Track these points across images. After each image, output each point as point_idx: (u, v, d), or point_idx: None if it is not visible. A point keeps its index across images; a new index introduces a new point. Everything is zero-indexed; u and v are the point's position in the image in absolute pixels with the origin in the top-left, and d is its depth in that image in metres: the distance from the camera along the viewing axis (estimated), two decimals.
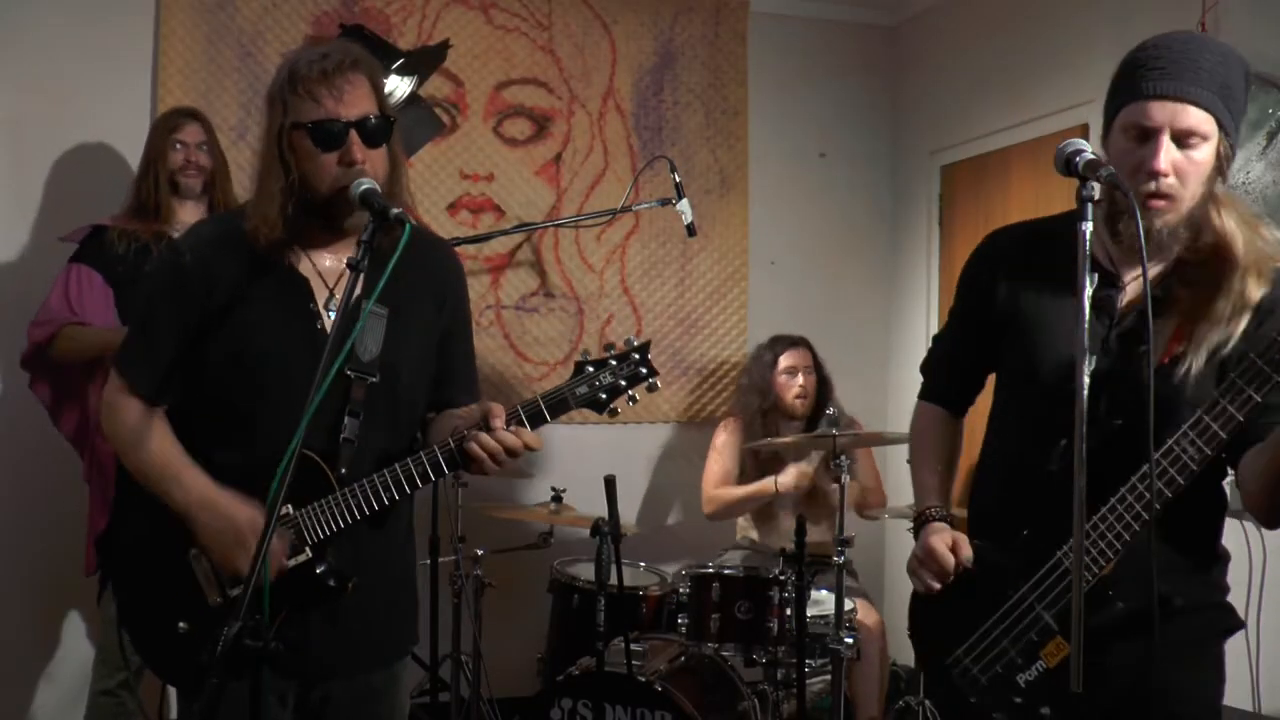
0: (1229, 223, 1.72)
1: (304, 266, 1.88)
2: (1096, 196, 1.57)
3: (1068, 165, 1.61)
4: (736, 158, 4.58)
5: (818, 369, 3.95)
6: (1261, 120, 3.03)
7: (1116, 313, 1.78)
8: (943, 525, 1.92)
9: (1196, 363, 1.68)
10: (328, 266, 1.89)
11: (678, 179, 3.76)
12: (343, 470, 1.82)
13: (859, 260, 4.83)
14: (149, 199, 3.14)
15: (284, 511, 1.81)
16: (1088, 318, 1.54)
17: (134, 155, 3.44)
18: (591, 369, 1.80)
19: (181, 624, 1.83)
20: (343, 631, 1.87)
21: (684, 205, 3.76)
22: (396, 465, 1.82)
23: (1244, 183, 3.07)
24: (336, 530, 1.81)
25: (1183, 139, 1.66)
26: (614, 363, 1.80)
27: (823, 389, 3.93)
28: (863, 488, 3.95)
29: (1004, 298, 1.89)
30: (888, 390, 4.79)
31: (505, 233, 3.97)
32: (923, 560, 1.88)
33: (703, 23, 4.54)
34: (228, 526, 1.79)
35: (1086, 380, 1.54)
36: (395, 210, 1.69)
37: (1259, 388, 1.56)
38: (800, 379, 3.88)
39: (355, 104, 1.79)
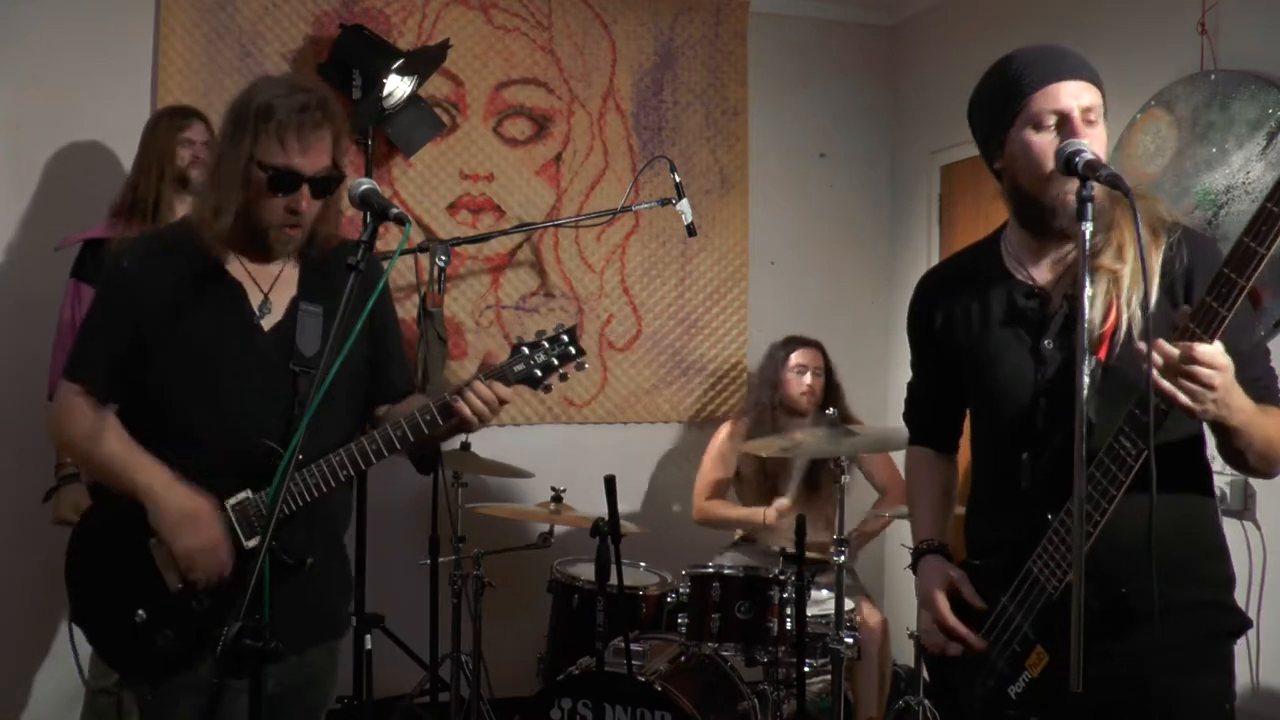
0: (1117, 197, 1.72)
1: (236, 270, 2.00)
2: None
3: (1068, 165, 1.61)
4: (736, 158, 4.58)
5: (828, 372, 3.96)
6: (1261, 120, 3.03)
7: (1043, 317, 1.79)
8: (937, 559, 1.95)
9: (1135, 323, 1.67)
10: (260, 270, 2.02)
11: (678, 179, 3.76)
12: (299, 455, 1.88)
13: (859, 260, 4.83)
14: (148, 194, 3.12)
15: (244, 496, 1.92)
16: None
17: (134, 155, 3.43)
18: (526, 350, 2.00)
19: (140, 612, 1.91)
20: (286, 610, 1.87)
21: (684, 205, 3.76)
22: (345, 448, 1.93)
23: (1244, 183, 3.07)
24: (293, 510, 1.90)
25: (1085, 115, 1.70)
26: (546, 344, 2.00)
27: (831, 392, 3.93)
28: (882, 488, 3.96)
29: (944, 335, 1.95)
30: (887, 390, 4.79)
31: (505, 233, 3.98)
32: (929, 613, 1.90)
33: (703, 23, 4.54)
34: (187, 505, 1.88)
35: (1086, 380, 1.56)
36: (395, 210, 1.74)
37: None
38: (809, 378, 3.88)
39: (316, 159, 1.92)
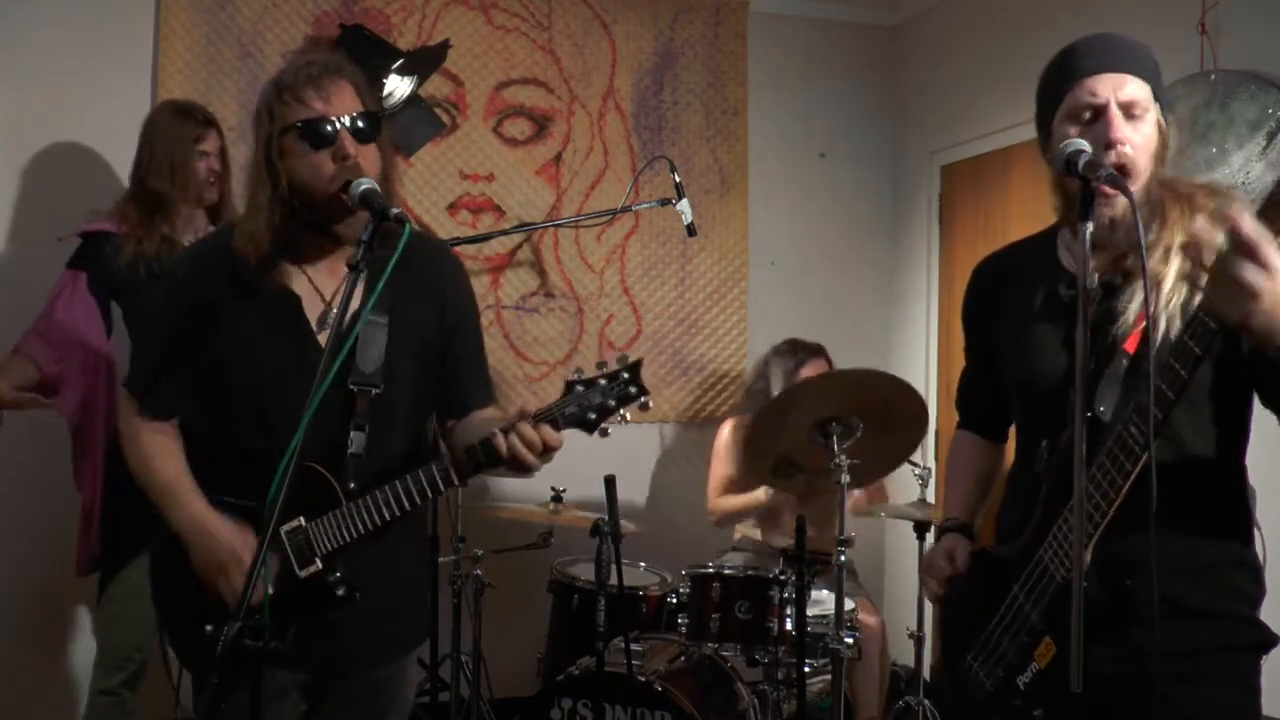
0: (1183, 194, 1.72)
1: (296, 283, 1.88)
2: (1100, 200, 1.58)
3: (1068, 165, 1.60)
4: (736, 158, 4.58)
5: None
6: (1261, 120, 3.03)
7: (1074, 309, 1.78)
8: (955, 535, 1.98)
9: (1171, 331, 1.61)
10: (322, 281, 1.90)
11: (678, 179, 3.76)
12: (350, 485, 1.84)
13: (859, 260, 4.83)
14: (162, 195, 3.05)
15: (297, 524, 1.84)
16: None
17: (135, 154, 3.43)
18: (581, 389, 1.77)
19: (208, 626, 1.84)
20: (349, 632, 1.89)
21: (684, 205, 3.76)
22: (404, 478, 1.82)
23: (1244, 183, 3.07)
24: (346, 542, 1.83)
25: (1128, 110, 1.67)
26: (603, 383, 1.77)
27: None
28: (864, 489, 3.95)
29: (991, 322, 1.95)
30: None
31: (505, 233, 3.97)
32: (924, 568, 2.00)
33: (703, 23, 4.54)
34: (213, 555, 1.83)
35: (1085, 380, 1.55)
36: (395, 210, 1.68)
37: (1185, 366, 1.53)
38: None
39: (343, 104, 1.81)
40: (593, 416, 1.77)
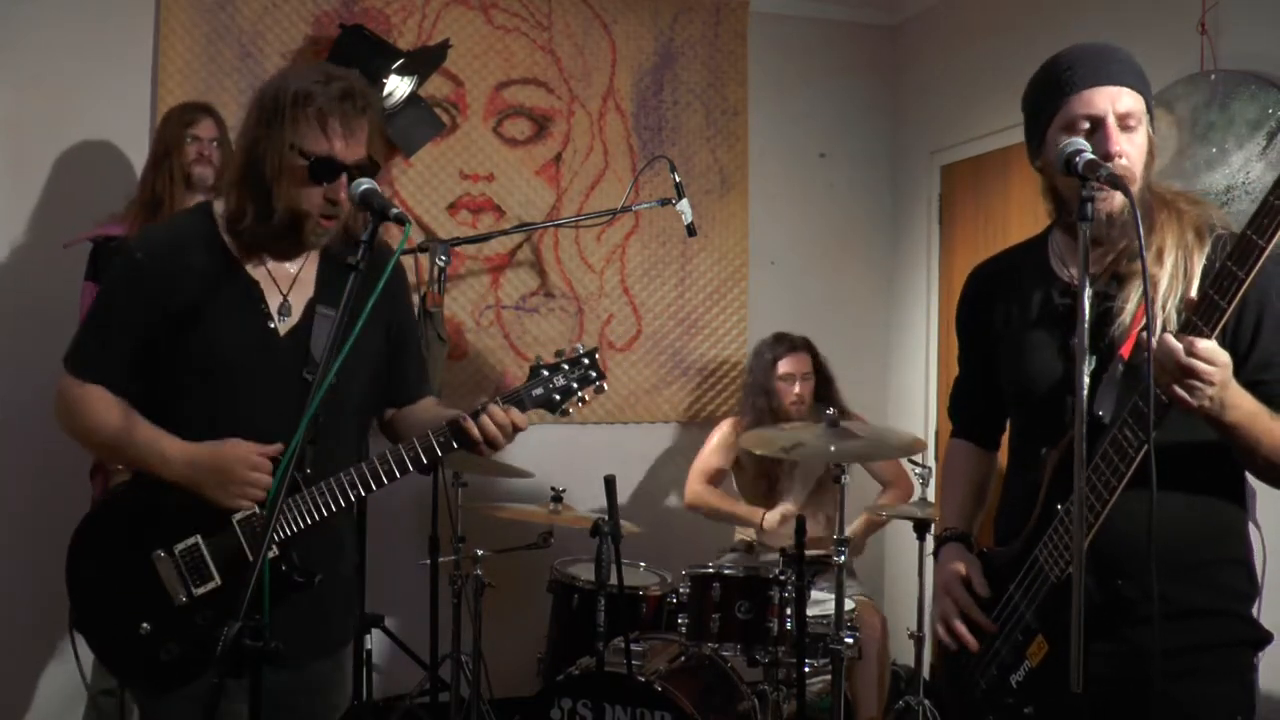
0: (1166, 200, 1.76)
1: (257, 270, 1.94)
2: (1098, 196, 1.60)
3: (1068, 165, 1.62)
4: (736, 158, 4.58)
5: (818, 371, 3.91)
6: (1261, 120, 3.03)
7: (1074, 314, 1.77)
8: (957, 547, 1.98)
9: (1169, 325, 1.66)
10: (281, 271, 1.95)
11: (678, 179, 3.76)
12: (308, 470, 1.88)
13: (859, 260, 4.83)
14: (162, 191, 3.12)
15: (251, 511, 1.88)
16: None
17: (134, 154, 3.44)
18: (545, 372, 1.94)
19: (145, 625, 1.87)
20: (290, 623, 1.86)
21: (684, 205, 3.76)
22: (372, 459, 1.89)
23: (1244, 183, 3.07)
24: (303, 527, 1.87)
25: (1123, 121, 1.70)
26: (566, 367, 1.94)
27: (823, 389, 3.90)
28: (887, 483, 3.94)
29: (986, 329, 1.97)
30: (888, 390, 4.79)
31: (505, 233, 3.98)
32: (943, 594, 1.95)
33: (703, 23, 4.54)
34: (214, 474, 1.84)
35: (1086, 380, 1.57)
36: (395, 210, 1.72)
37: None
38: (797, 387, 3.81)
39: (356, 148, 1.86)
40: (557, 398, 1.94)
